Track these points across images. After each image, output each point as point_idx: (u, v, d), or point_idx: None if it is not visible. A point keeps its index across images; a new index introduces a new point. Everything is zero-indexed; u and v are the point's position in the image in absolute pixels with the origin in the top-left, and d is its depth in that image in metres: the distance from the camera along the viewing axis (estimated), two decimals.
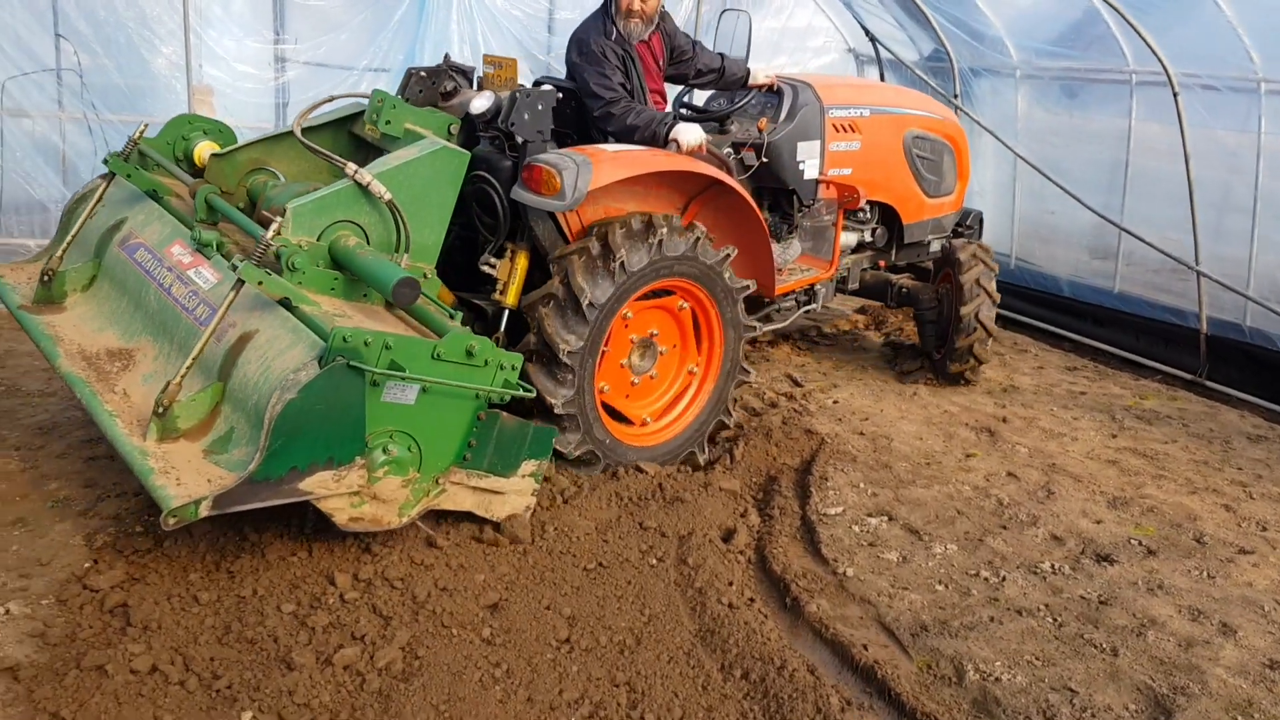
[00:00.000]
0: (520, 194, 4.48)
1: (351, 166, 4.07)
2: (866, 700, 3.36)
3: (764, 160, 5.44)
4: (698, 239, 4.76)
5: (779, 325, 5.99)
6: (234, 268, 3.76)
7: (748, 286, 5.10)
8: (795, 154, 5.58)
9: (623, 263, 4.49)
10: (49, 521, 4.07)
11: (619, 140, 4.91)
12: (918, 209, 6.42)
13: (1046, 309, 8.00)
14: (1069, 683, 3.44)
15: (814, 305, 6.02)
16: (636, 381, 4.98)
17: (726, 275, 4.95)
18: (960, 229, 6.89)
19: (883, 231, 6.42)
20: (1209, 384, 6.63)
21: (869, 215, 6.27)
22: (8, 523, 4.04)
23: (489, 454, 3.95)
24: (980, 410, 6.00)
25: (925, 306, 6.48)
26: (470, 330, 3.92)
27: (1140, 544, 4.42)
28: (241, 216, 4.28)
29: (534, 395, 4.10)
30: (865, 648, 3.59)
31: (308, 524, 4.02)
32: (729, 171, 5.15)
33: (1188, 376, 6.74)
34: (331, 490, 3.52)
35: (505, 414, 3.96)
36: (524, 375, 4.11)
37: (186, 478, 3.44)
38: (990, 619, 3.81)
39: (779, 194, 5.77)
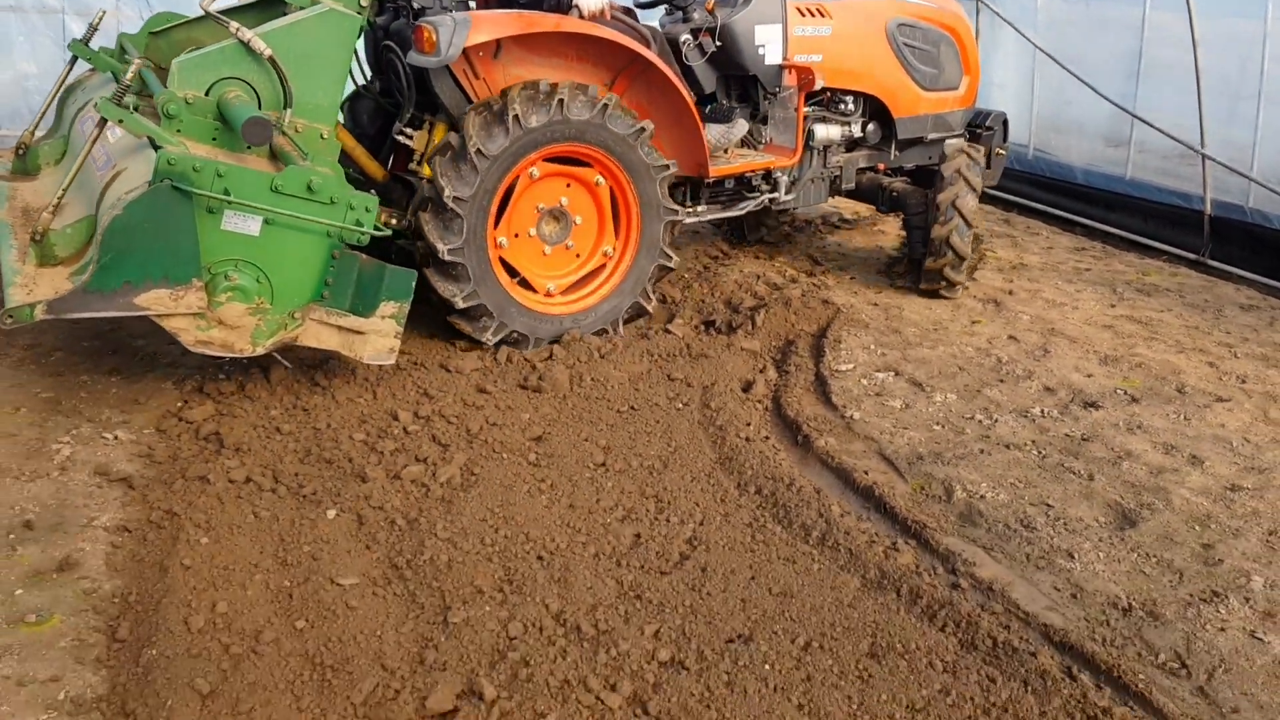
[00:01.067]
0: (411, 56, 4.74)
1: (234, 25, 4.25)
2: (864, 513, 3.83)
3: (719, 44, 5.47)
4: (605, 105, 4.87)
5: (731, 212, 5.92)
6: (95, 107, 4.09)
7: (667, 166, 5.15)
8: (753, 38, 5.53)
9: (517, 116, 4.68)
10: (140, 371, 4.59)
11: (531, 6, 5.08)
12: (911, 102, 6.20)
13: (1062, 196, 8.28)
14: (1046, 500, 3.89)
15: (777, 194, 5.91)
16: (548, 251, 5.13)
17: (642, 150, 5.04)
18: (979, 129, 6.55)
19: (875, 128, 6.23)
20: (1211, 263, 6.94)
21: (852, 108, 6.06)
22: (104, 372, 4.56)
23: (350, 294, 4.25)
24: (988, 284, 6.36)
25: (913, 211, 6.18)
26: (370, 194, 4.25)
27: (1125, 393, 4.83)
28: (159, 85, 4.56)
29: (389, 233, 4.43)
30: (866, 473, 4.05)
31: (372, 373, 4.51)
32: (646, 45, 5.17)
33: (1191, 256, 7.05)
34: (170, 309, 3.88)
35: (365, 256, 4.28)
36: (418, 226, 4.62)
37: (39, 291, 3.90)
38: (980, 451, 4.25)
39: (745, 81, 5.79)
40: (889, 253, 6.93)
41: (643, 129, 5.03)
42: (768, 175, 5.87)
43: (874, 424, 4.50)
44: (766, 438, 4.36)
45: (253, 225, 4.01)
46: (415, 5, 4.86)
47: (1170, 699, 2.84)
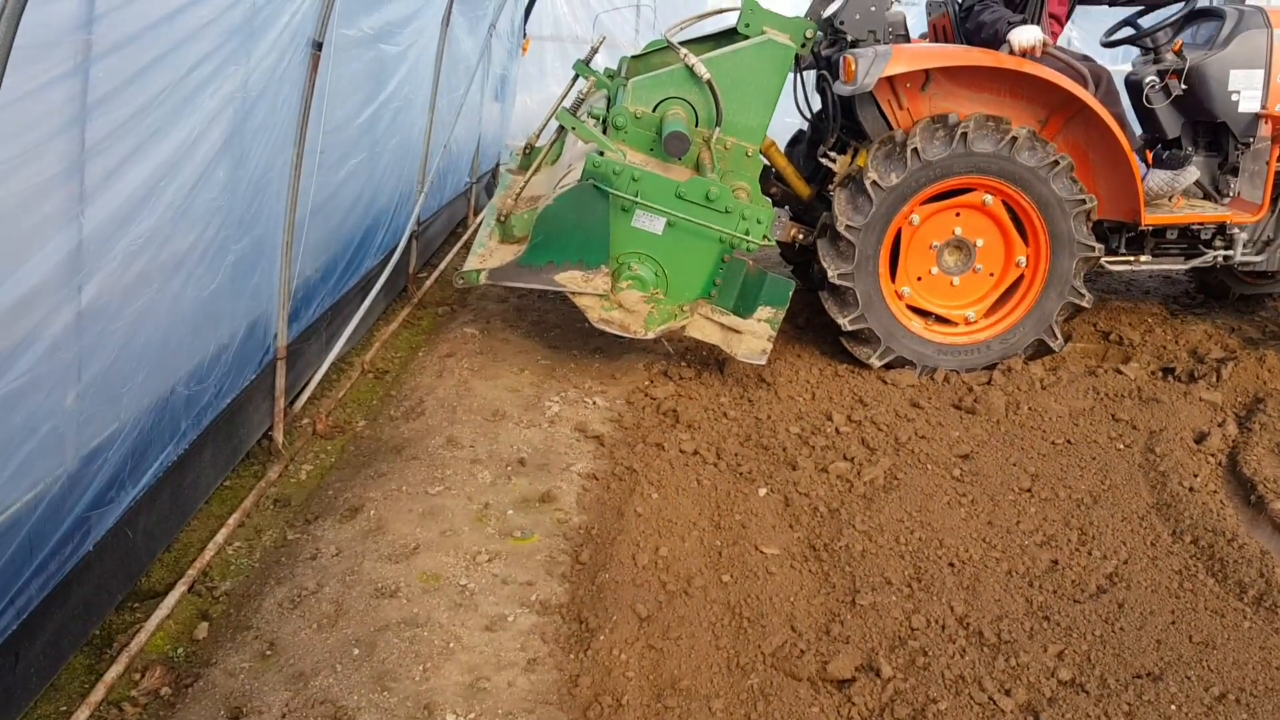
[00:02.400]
0: (837, 85, 4.95)
1: (683, 51, 4.74)
2: None
3: (1184, 88, 5.22)
4: (1014, 138, 4.83)
5: (1176, 266, 5.65)
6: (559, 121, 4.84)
7: (1083, 200, 5.00)
8: (1227, 83, 5.23)
9: (916, 150, 4.73)
10: (619, 351, 5.28)
11: (969, 41, 5.10)
12: None
13: None
14: None
15: (1233, 251, 5.46)
16: (957, 282, 5.17)
17: (1055, 184, 4.93)
18: None
19: None
20: None
21: None
22: (590, 350, 5.32)
23: (734, 295, 4.69)
24: None
25: None
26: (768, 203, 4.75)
27: None
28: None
29: (773, 244, 4.87)
30: None
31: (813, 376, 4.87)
32: (1084, 84, 5.03)
33: None
34: (581, 288, 4.52)
35: (751, 262, 4.67)
36: (810, 248, 4.99)
37: (490, 261, 4.66)
38: None
39: (1215, 128, 5.42)
40: None
41: (1056, 162, 4.94)
42: (1223, 230, 5.45)
43: None
44: (1214, 492, 4.12)
45: (657, 225, 4.60)
46: (849, 37, 5.13)
47: None
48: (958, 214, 5.13)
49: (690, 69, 4.76)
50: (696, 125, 4.84)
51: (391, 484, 3.84)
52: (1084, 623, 3.21)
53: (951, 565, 3.51)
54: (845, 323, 5.04)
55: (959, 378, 5.00)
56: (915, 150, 4.85)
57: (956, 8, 5.43)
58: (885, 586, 3.37)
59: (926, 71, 5.00)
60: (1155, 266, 5.59)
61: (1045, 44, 5.07)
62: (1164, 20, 5.46)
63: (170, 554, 3.45)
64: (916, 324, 5.18)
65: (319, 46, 3.79)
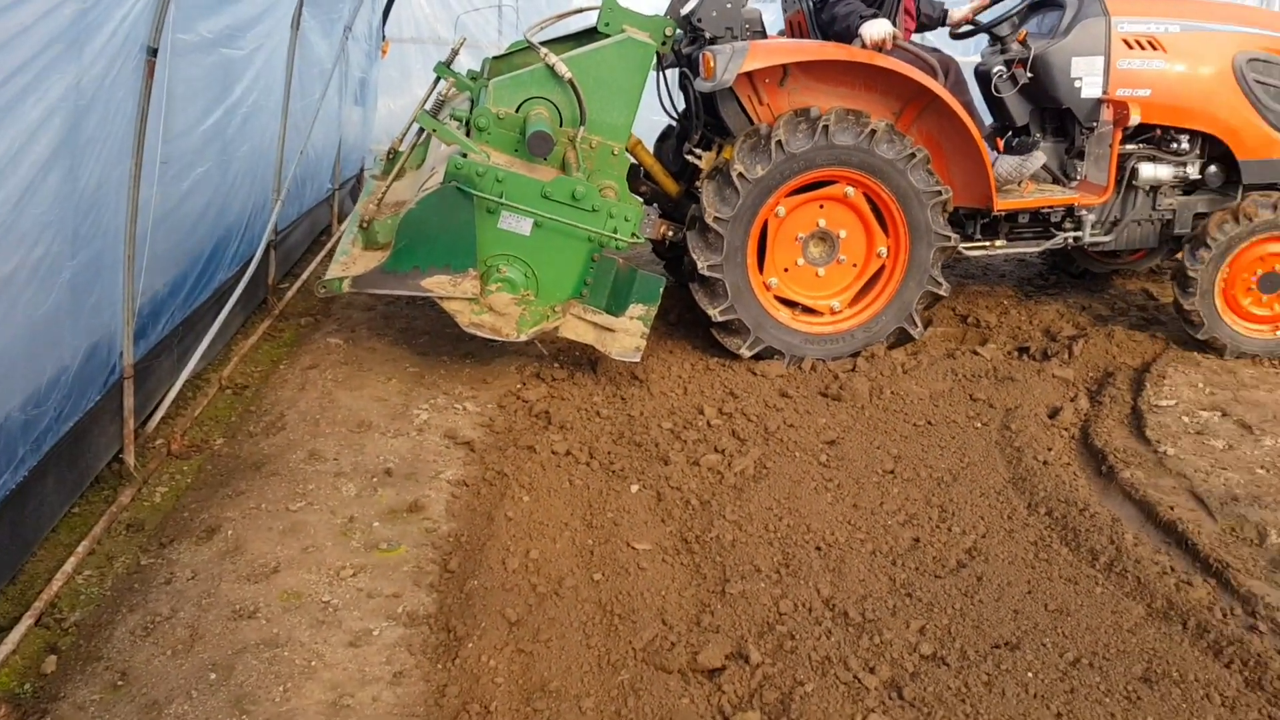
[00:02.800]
0: (697, 82, 5.05)
1: (544, 50, 4.76)
2: (1163, 546, 3.69)
3: (1030, 76, 5.40)
4: (873, 131, 4.95)
5: (1031, 249, 5.81)
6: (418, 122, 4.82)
7: (939, 191, 5.13)
8: (1069, 70, 5.39)
9: (780, 141, 4.85)
10: (490, 356, 5.22)
11: (825, 35, 5.25)
12: (1261, 145, 5.61)
13: None
14: None
15: (1082, 233, 5.63)
16: (823, 273, 5.27)
17: (913, 175, 5.06)
18: None
19: (1217, 171, 5.71)
20: None
21: (1187, 147, 5.64)
22: (460, 355, 5.24)
23: (605, 294, 4.72)
24: None
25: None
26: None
27: None
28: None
29: (643, 241, 4.82)
30: (1171, 508, 3.88)
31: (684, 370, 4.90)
32: (934, 74, 5.18)
33: None
34: (450, 292, 4.49)
35: (621, 260, 4.72)
36: (680, 245, 5.04)
37: (354, 268, 4.60)
38: None
39: (1061, 114, 5.62)
40: None
41: (913, 155, 5.06)
42: (1071, 212, 5.65)
43: (1189, 461, 4.29)
44: (1067, 464, 4.29)
45: (525, 226, 4.59)
46: (708, 34, 5.17)
47: None
48: (821, 206, 5.21)
49: (551, 69, 4.75)
50: (561, 125, 4.82)
51: (250, 502, 3.72)
52: (944, 597, 3.30)
53: (819, 549, 3.58)
54: (715, 314, 5.09)
55: (825, 366, 5.10)
56: (779, 143, 4.92)
57: (811, 3, 5.54)
58: (755, 574, 3.41)
59: (784, 66, 5.09)
60: (1010, 250, 5.76)
61: (896, 37, 5.19)
62: (1008, 11, 5.65)
63: (15, 586, 3.28)
64: (784, 314, 5.25)
65: (154, 53, 3.64)
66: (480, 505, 3.82)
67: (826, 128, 4.94)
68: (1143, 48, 5.48)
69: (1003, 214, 5.52)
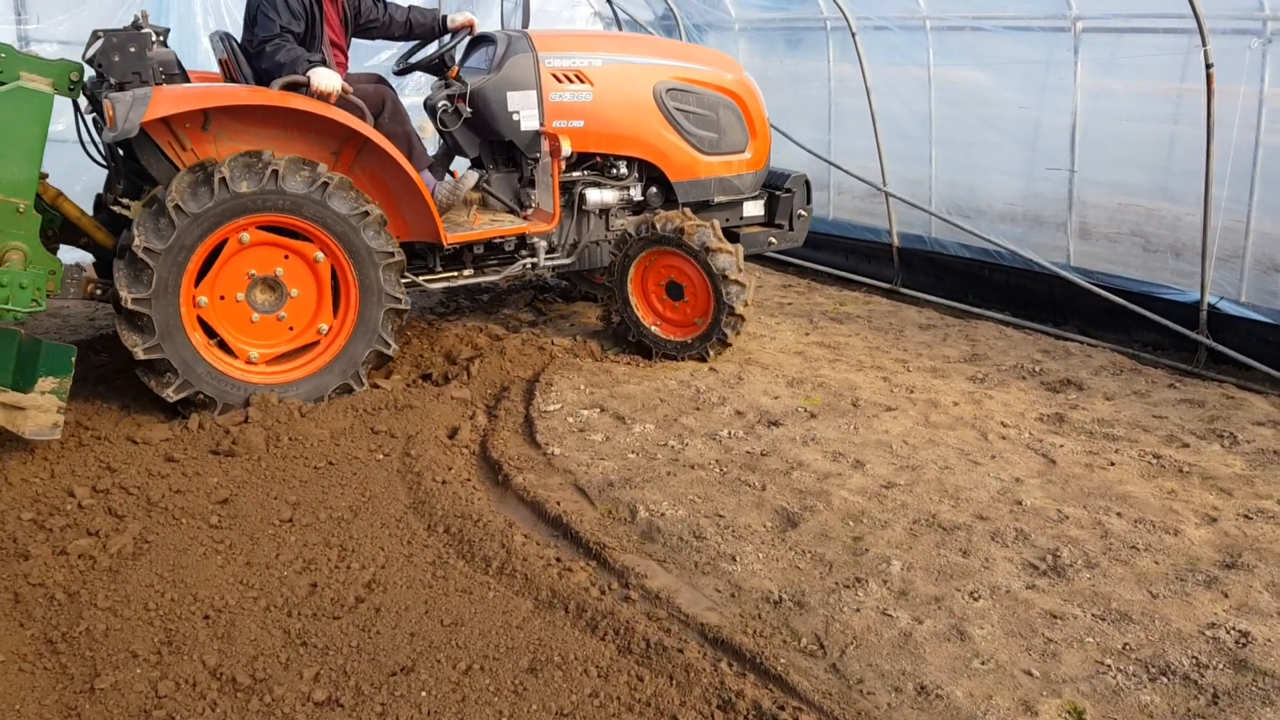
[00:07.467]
0: (104, 131, 4.77)
1: None
2: (551, 540, 3.96)
3: (470, 111, 5.62)
4: (325, 183, 4.90)
5: (491, 278, 5.99)
6: None
7: (392, 254, 5.12)
8: (506, 104, 5.66)
9: (224, 179, 4.70)
10: None
11: (266, 80, 5.12)
12: (688, 166, 6.13)
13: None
14: (720, 511, 4.13)
15: (536, 259, 5.92)
16: (256, 319, 5.04)
17: (366, 234, 5.03)
18: (778, 191, 6.49)
19: (657, 192, 6.22)
20: (903, 290, 7.58)
21: (625, 171, 6.08)
22: None
23: (10, 370, 4.32)
24: None
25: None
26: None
27: (806, 410, 5.19)
28: None
29: (25, 317, 4.33)
30: (557, 503, 4.18)
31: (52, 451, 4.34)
32: (361, 114, 5.16)
33: (886, 286, 7.68)
34: None
35: (24, 332, 4.36)
36: (108, 272, 4.67)
37: None
38: (667, 474, 4.47)
39: (509, 145, 5.88)
40: None
41: (367, 213, 5.02)
42: (524, 240, 5.90)
43: (573, 457, 4.66)
44: (467, 480, 4.44)
45: None
46: (113, 80, 4.72)
47: (804, 677, 3.08)
48: (286, 256, 5.01)
49: None
50: None
51: None
52: (341, 637, 3.24)
53: (206, 617, 3.33)
54: (140, 352, 4.68)
55: (214, 422, 4.81)
56: (224, 180, 4.68)
57: (235, 46, 5.27)
58: (130, 661, 3.09)
59: (205, 112, 4.81)
60: (476, 280, 5.91)
61: (346, 90, 5.09)
62: (447, 46, 5.78)
63: None
64: (199, 337, 4.89)
65: None
66: None
67: (277, 172, 4.76)
68: (571, 81, 5.82)
69: (457, 246, 5.60)
